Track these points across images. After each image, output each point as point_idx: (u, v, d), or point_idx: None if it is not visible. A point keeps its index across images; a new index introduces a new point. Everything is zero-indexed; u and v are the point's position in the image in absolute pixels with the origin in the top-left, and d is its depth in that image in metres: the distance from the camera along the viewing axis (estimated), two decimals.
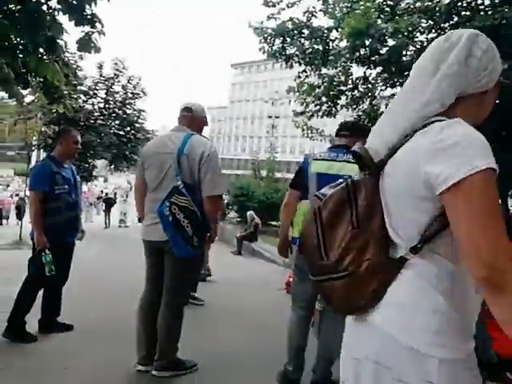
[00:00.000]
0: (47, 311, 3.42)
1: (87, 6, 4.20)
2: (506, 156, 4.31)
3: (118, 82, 15.93)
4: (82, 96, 15.74)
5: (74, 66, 13.71)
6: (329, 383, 2.67)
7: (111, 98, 15.96)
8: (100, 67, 15.69)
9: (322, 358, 2.66)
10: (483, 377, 2.98)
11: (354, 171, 2.65)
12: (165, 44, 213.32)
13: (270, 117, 42.21)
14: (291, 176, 3.06)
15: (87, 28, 4.31)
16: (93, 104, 15.96)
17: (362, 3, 4.93)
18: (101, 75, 15.72)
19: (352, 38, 4.94)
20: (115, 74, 15.75)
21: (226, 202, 15.82)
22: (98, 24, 4.26)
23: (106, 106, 15.90)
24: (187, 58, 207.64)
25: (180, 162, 2.65)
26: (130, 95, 16.14)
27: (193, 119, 2.88)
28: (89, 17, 4.21)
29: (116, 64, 15.63)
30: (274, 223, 13.80)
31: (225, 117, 76.75)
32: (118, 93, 16.03)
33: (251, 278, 6.64)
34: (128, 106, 16.12)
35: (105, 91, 15.91)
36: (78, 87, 15.33)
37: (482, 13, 4.40)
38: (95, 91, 15.82)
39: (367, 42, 5.06)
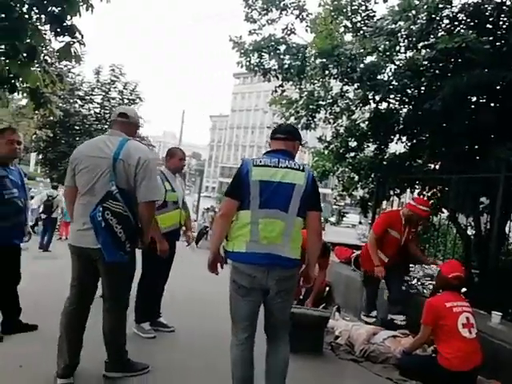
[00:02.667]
0: (7, 312, 3.45)
1: (68, 17, 4.35)
2: None
3: (115, 87, 16.14)
4: (78, 101, 15.94)
5: (69, 74, 13.96)
6: None
7: (107, 104, 16.14)
8: (97, 73, 15.93)
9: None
10: None
11: (297, 178, 2.46)
12: (169, 50, 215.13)
13: (269, 127, 42.29)
14: None
15: (67, 38, 4.47)
16: (89, 109, 16.17)
17: (325, 26, 5.07)
18: (97, 80, 15.94)
19: (320, 57, 5.08)
20: (112, 80, 15.97)
21: (216, 210, 15.90)
22: (78, 34, 4.42)
23: (102, 111, 16.09)
24: (191, 64, 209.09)
25: (115, 167, 2.61)
26: (127, 101, 16.32)
27: (129, 125, 2.88)
28: (68, 28, 4.36)
29: (113, 70, 15.86)
30: None
31: (226, 126, 77.08)
32: (114, 98, 16.22)
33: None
34: None
35: (101, 96, 16.12)
36: (76, 92, 15.54)
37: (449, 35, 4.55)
38: (91, 96, 16.02)
39: (338, 61, 5.19)
